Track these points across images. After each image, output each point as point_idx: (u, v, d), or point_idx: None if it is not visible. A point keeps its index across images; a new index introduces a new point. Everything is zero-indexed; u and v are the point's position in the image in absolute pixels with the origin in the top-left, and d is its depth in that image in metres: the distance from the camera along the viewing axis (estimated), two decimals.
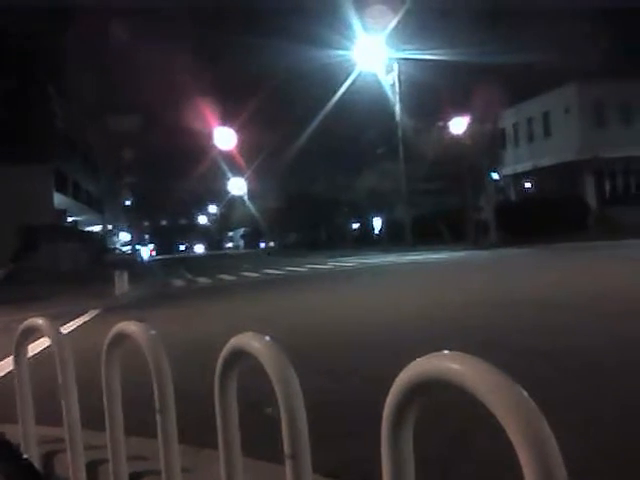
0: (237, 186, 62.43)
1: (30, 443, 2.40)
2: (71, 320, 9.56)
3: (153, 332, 1.83)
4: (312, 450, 1.30)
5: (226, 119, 56.40)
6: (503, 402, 0.79)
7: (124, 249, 59.84)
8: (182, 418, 1.86)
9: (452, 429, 3.07)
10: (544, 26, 30.14)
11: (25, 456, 2.12)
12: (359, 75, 32.92)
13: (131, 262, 43.32)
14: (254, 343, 1.41)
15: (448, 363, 0.88)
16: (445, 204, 32.52)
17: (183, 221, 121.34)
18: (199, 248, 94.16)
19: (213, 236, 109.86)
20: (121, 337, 1.96)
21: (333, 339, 6.29)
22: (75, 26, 38.77)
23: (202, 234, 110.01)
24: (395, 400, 0.95)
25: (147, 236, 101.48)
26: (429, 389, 0.92)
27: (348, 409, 3.63)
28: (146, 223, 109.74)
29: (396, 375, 0.95)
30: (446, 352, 0.90)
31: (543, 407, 0.80)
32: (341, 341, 6.15)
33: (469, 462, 2.72)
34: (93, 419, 2.37)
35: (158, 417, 1.76)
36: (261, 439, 2.53)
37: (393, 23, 29.00)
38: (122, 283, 15.53)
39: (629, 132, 30.49)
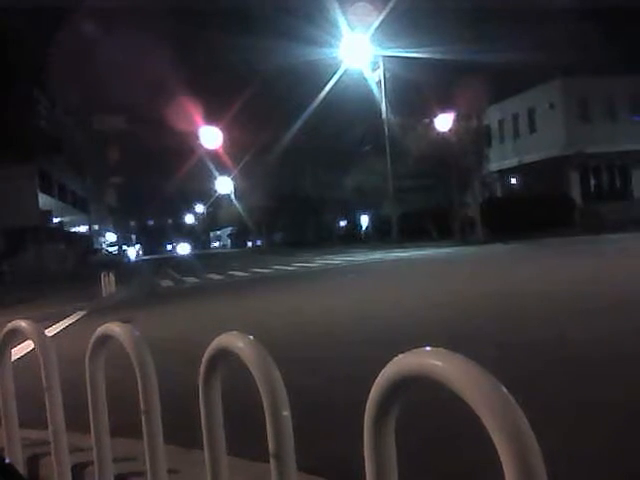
0: (224, 185, 62.21)
1: (14, 447, 2.37)
2: (56, 322, 9.48)
3: (137, 333, 1.81)
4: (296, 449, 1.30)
5: (212, 118, 56.26)
6: (482, 398, 0.80)
7: (111, 250, 59.47)
8: (167, 418, 1.85)
9: (434, 425, 3.07)
10: (528, 23, 30.35)
11: (7, 460, 2.10)
12: (345, 73, 32.93)
13: (118, 263, 43.11)
14: (238, 342, 1.40)
15: (428, 359, 0.88)
16: (431, 201, 32.63)
17: (170, 221, 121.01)
18: (186, 248, 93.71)
19: (200, 235, 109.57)
20: (105, 339, 1.95)
21: (320, 339, 6.29)
22: (59, 26, 38.46)
23: (189, 233, 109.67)
24: (377, 396, 0.95)
25: (134, 236, 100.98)
26: (410, 385, 0.92)
27: (333, 407, 3.63)
28: (132, 223, 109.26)
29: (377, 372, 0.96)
30: (427, 348, 0.90)
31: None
32: (327, 340, 6.15)
33: (451, 458, 2.73)
34: (78, 421, 2.35)
35: (143, 418, 1.75)
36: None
37: (378, 21, 29.07)
38: (109, 284, 15.43)
39: (613, 127, 30.76)
